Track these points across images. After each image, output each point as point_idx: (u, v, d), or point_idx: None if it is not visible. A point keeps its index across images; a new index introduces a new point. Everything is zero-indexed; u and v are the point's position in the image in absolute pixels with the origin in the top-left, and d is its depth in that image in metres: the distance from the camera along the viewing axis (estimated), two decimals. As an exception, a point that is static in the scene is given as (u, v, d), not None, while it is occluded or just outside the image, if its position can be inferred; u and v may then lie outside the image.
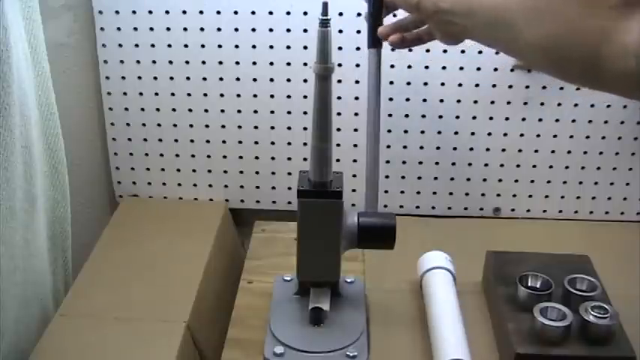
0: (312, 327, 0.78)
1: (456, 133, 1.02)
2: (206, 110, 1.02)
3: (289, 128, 1.03)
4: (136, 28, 0.98)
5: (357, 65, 0.98)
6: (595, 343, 0.74)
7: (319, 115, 0.72)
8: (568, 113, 1.01)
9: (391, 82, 0.99)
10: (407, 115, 1.01)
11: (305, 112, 1.01)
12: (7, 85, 0.71)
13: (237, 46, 0.98)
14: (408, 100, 1.00)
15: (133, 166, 1.07)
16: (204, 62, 0.99)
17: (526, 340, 0.74)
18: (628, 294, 0.86)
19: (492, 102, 1.00)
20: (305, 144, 1.03)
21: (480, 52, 0.97)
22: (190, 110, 1.02)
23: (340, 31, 0.96)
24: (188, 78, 1.00)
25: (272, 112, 1.02)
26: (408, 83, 0.99)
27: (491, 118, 1.01)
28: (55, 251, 0.91)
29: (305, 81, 0.98)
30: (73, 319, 0.82)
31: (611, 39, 0.52)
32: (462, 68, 0.98)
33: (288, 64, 0.98)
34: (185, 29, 0.97)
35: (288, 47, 0.97)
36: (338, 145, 1.02)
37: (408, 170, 1.05)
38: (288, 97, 1.00)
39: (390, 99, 1.00)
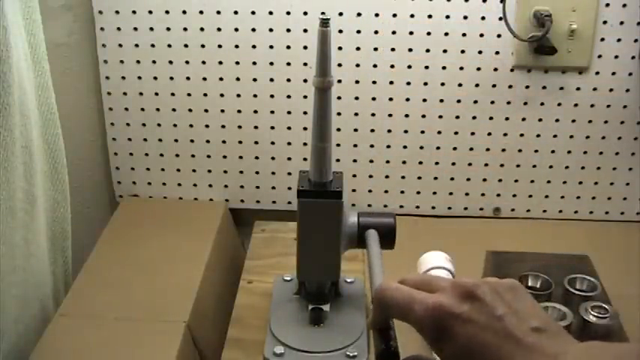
0: (312, 327, 0.78)
1: (456, 133, 1.02)
2: (206, 110, 1.02)
3: (289, 128, 1.03)
4: (136, 28, 0.97)
5: (357, 65, 0.98)
6: (595, 343, 0.74)
7: (319, 117, 0.71)
8: (568, 113, 1.01)
9: (391, 82, 0.99)
10: (407, 115, 1.01)
11: (305, 112, 1.01)
12: (7, 85, 0.71)
13: (237, 46, 0.98)
14: (408, 100, 1.00)
15: (133, 166, 1.07)
16: (204, 62, 0.99)
17: (526, 340, 0.74)
18: (628, 294, 0.85)
19: (492, 102, 1.00)
20: (305, 144, 1.03)
21: (480, 52, 0.97)
22: (190, 110, 1.02)
23: (340, 31, 0.96)
24: (188, 78, 1.00)
25: (272, 112, 1.02)
26: (408, 83, 0.99)
27: (491, 118, 1.01)
28: (55, 251, 0.91)
29: (305, 81, 0.98)
30: (73, 319, 0.82)
31: None
32: (462, 68, 0.98)
33: (288, 64, 0.98)
34: (185, 29, 0.97)
35: (288, 47, 0.97)
36: (338, 145, 1.02)
37: (408, 170, 1.05)
38: (288, 97, 1.00)
39: (390, 99, 1.00)
